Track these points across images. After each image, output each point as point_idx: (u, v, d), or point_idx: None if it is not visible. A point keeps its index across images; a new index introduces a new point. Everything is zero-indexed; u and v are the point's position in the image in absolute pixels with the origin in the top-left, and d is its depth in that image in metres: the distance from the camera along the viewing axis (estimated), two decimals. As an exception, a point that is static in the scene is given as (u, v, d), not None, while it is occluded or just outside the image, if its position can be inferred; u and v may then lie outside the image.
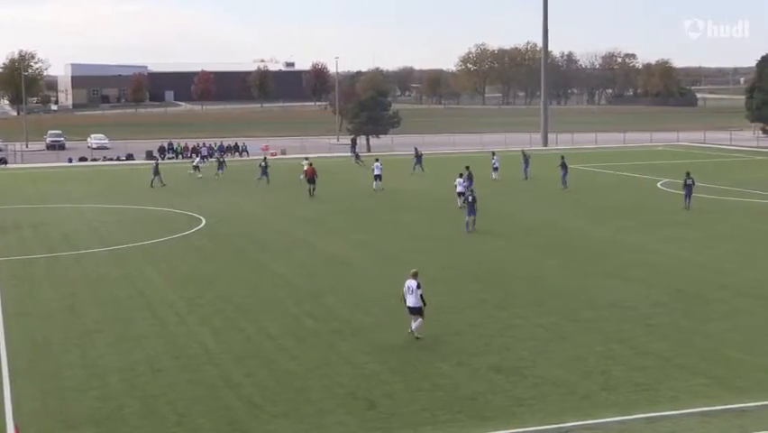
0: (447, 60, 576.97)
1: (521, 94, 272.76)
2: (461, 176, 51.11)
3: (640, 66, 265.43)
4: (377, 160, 62.85)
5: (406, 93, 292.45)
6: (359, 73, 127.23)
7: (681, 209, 49.16)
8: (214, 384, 21.52)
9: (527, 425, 18.92)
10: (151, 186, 62.14)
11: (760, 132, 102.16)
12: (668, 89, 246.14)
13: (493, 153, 67.21)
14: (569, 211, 49.32)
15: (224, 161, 72.29)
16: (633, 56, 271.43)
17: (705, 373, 22.00)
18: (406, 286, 25.10)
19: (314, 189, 56.89)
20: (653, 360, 23.03)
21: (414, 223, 45.89)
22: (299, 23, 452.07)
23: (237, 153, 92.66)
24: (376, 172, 59.29)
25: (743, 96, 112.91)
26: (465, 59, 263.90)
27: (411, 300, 24.92)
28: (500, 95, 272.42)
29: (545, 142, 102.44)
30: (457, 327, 26.13)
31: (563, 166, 59.49)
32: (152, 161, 71.24)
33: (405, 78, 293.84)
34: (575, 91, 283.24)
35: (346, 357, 23.53)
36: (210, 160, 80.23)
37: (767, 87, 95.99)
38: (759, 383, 21.20)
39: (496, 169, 63.75)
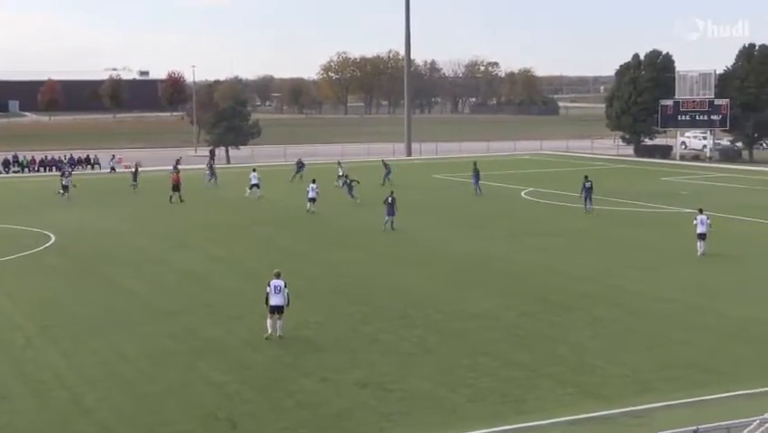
0: (308, 69, 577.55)
1: (384, 103, 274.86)
2: (314, 181, 53.90)
3: (503, 74, 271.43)
4: (254, 170, 63.14)
5: (267, 102, 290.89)
6: (217, 82, 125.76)
7: (544, 218, 50.55)
8: (66, 410, 20.92)
9: (394, 441, 19.06)
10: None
11: (620, 140, 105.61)
12: (531, 98, 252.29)
13: (339, 163, 71.12)
14: (432, 221, 49.93)
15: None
16: (496, 64, 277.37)
17: (571, 382, 22.59)
18: (272, 286, 25.95)
19: (179, 197, 58.18)
20: (520, 370, 23.51)
21: (275, 236, 45.68)
22: (154, 31, 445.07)
23: (89, 166, 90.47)
24: (253, 182, 60.62)
25: (603, 105, 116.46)
26: (327, 68, 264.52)
27: (278, 300, 25.88)
28: (363, 104, 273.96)
29: (409, 152, 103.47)
30: (321, 343, 26.12)
31: (476, 173, 61.96)
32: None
33: (265, 87, 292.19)
34: (439, 100, 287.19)
35: (206, 377, 23.24)
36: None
37: (626, 95, 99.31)
38: (621, 391, 21.93)
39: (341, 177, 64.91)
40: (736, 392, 21.53)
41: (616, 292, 32.46)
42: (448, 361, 24.33)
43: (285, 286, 26.08)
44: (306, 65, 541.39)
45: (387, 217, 46.38)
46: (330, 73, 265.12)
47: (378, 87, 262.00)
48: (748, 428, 15.73)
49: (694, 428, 13.84)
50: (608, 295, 32.05)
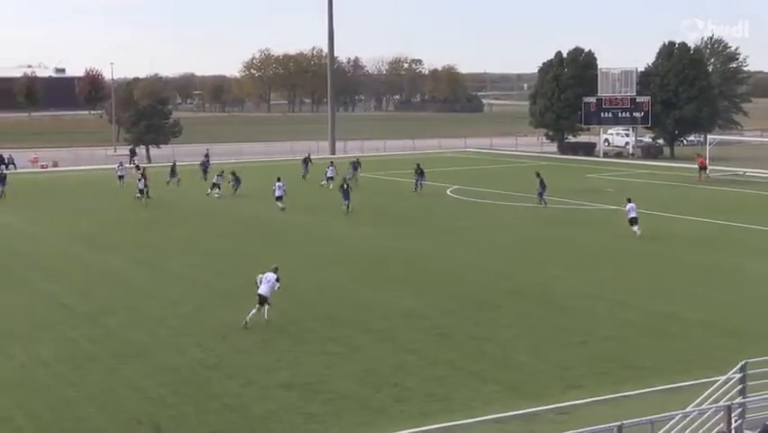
0: (230, 66, 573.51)
1: (307, 101, 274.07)
2: (278, 179, 54.10)
3: (426, 72, 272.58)
4: (279, 179, 58.89)
5: (188, 100, 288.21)
6: (136, 80, 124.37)
7: (470, 215, 51.01)
8: (-18, 418, 20.51)
9: (321, 442, 19.06)
10: None
11: (544, 137, 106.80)
12: (455, 95, 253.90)
13: (332, 163, 68.76)
14: (358, 219, 49.99)
15: None
16: (419, 62, 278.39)
17: (497, 379, 22.83)
18: (264, 276, 27.77)
19: (147, 194, 58.31)
20: (446, 369, 23.68)
21: (200, 236, 45.27)
22: (70, 27, 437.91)
23: (3, 166, 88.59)
24: (278, 193, 55.55)
25: (527, 103, 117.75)
26: (249, 65, 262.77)
27: (264, 289, 27.56)
28: (286, 102, 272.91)
29: (333, 150, 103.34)
30: (246, 345, 25.99)
31: (420, 173, 62.18)
32: None
33: (186, 85, 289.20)
34: (362, 97, 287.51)
35: (129, 381, 22.96)
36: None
37: (549, 93, 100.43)
38: (547, 387, 22.23)
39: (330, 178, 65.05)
40: (659, 387, 21.96)
41: (541, 289, 32.86)
42: (375, 361, 24.40)
43: (277, 280, 27.79)
44: (228, 62, 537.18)
45: (344, 201, 51.31)
46: (252, 71, 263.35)
47: (301, 85, 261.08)
48: (671, 422, 16.05)
49: (619, 423, 14.06)
50: (533, 292, 32.44)
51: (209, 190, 60.61)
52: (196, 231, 46.83)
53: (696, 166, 71.34)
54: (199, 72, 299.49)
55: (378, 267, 37.14)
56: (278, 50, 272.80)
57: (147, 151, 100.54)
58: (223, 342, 26.09)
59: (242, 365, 24.07)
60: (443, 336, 26.76)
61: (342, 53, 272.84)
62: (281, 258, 39.09)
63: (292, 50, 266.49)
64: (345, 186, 52.99)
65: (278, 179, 54.34)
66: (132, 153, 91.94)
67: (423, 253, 40.24)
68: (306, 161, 73.44)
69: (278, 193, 53.84)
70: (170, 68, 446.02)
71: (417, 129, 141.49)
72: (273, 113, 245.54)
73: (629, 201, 44.33)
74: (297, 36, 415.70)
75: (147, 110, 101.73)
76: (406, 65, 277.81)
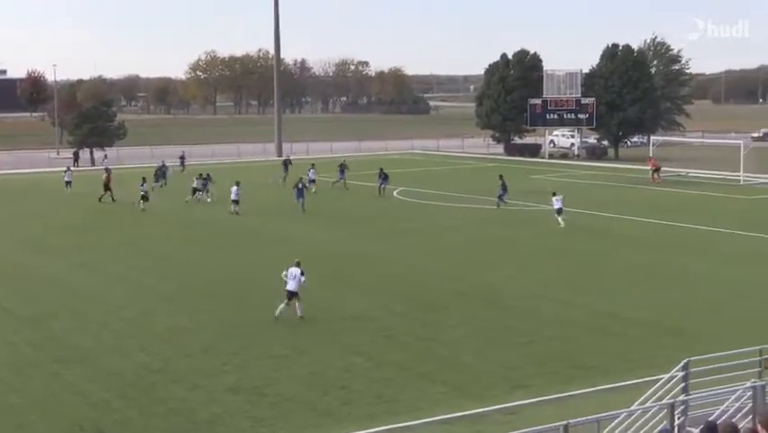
0: (175, 68, 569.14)
1: (254, 102, 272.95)
2: (237, 184, 52.95)
3: (373, 73, 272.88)
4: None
5: (133, 103, 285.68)
6: (80, 81, 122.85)
7: (416, 217, 51.16)
8: None
9: (267, 445, 18.97)
10: None
11: (490, 139, 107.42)
12: (401, 97, 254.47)
13: (312, 165, 68.20)
14: (304, 221, 49.86)
15: None
16: (366, 63, 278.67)
17: (443, 380, 22.88)
18: (289, 272, 28.29)
19: (111, 197, 58.05)
20: (393, 371, 23.70)
21: (144, 239, 44.86)
22: (11, 28, 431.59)
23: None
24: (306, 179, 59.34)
25: (473, 104, 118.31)
26: (195, 67, 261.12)
27: (292, 285, 28.17)
28: (233, 104, 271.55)
29: (280, 152, 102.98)
30: (192, 348, 25.79)
31: (384, 176, 61.94)
32: None
33: (130, 87, 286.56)
34: (309, 99, 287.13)
35: (72, 386, 22.69)
36: None
37: (495, 94, 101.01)
38: (493, 388, 22.34)
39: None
40: (604, 386, 22.17)
41: (487, 290, 33.02)
42: (321, 363, 24.34)
43: (302, 274, 28.27)
44: (173, 64, 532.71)
45: (298, 200, 52.84)
46: (198, 72, 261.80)
47: (247, 87, 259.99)
48: (616, 420, 16.19)
49: (564, 423, 14.14)
50: (479, 292, 32.59)
51: (189, 196, 58.38)
52: (145, 234, 46.39)
53: (648, 168, 72.08)
54: (144, 74, 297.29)
55: (325, 269, 36.96)
56: (223, 51, 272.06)
57: (91, 153, 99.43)
58: (168, 345, 25.87)
59: (188, 369, 23.88)
60: (390, 338, 26.78)
61: (289, 55, 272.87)
62: (228, 261, 38.99)
63: (238, 52, 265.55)
64: (300, 185, 53.96)
65: (237, 184, 53.43)
66: (76, 156, 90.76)
67: (370, 254, 40.26)
68: (286, 162, 72.49)
69: (233, 197, 53.24)
70: (114, 69, 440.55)
71: (364, 131, 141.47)
72: (219, 115, 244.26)
73: (554, 195, 47.90)
74: (243, 38, 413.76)
75: (91, 112, 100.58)
76: (352, 67, 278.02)
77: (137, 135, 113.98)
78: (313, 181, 63.68)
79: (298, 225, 48.96)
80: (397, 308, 30.31)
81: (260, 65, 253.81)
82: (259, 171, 72.88)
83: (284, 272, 28.72)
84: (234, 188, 53.08)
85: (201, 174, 60.52)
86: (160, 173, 68.04)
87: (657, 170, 71.01)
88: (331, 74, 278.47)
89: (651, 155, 74.89)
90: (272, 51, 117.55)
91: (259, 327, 28.09)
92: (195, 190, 58.64)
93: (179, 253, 41.04)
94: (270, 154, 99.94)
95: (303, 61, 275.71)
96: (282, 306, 28.36)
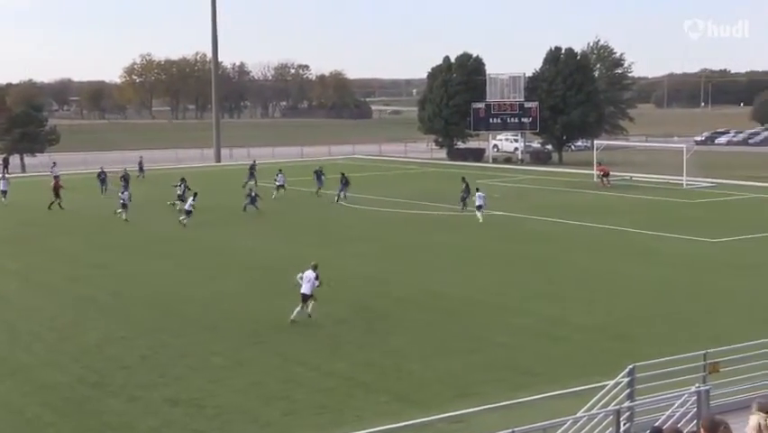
0: (110, 72, 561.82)
1: (191, 107, 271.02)
2: (194, 196, 51.53)
3: (314, 77, 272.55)
4: (280, 170, 61.44)
5: (65, 107, 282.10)
6: (9, 85, 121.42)
7: (359, 223, 51.16)
8: None
9: (207, 459, 18.79)
10: None
11: (433, 143, 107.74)
12: (343, 101, 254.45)
13: (280, 170, 67.18)
14: (245, 229, 49.61)
15: None
16: (306, 67, 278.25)
17: (387, 389, 22.85)
18: (304, 275, 29.06)
19: (59, 204, 57.48)
20: (337, 380, 23.62)
21: (77, 248, 44.30)
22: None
23: None
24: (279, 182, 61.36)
25: (416, 108, 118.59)
26: (130, 71, 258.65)
27: (306, 288, 28.89)
28: (169, 108, 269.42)
29: (218, 158, 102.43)
30: (128, 360, 25.48)
31: (345, 182, 61.41)
32: None
33: (62, 91, 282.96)
34: (248, 104, 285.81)
35: (4, 400, 22.30)
36: None
37: (438, 98, 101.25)
38: (437, 396, 22.34)
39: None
40: (551, 393, 22.25)
41: (432, 296, 33.07)
42: (262, 373, 24.18)
43: (316, 278, 29.05)
44: (107, 67, 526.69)
45: (251, 206, 54.05)
46: (133, 76, 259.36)
47: (184, 91, 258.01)
48: (562, 428, 16.29)
49: (510, 430, 14.19)
50: (423, 299, 32.62)
51: (176, 202, 56.71)
52: (80, 243, 45.79)
53: (597, 173, 72.58)
54: (77, 77, 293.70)
55: (267, 277, 36.85)
56: (160, 54, 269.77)
57: (21, 159, 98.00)
58: (103, 357, 25.52)
59: (124, 381, 23.58)
60: (333, 347, 26.68)
61: (227, 58, 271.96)
62: (161, 269, 38.61)
63: (174, 56, 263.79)
64: (252, 193, 55.27)
65: (194, 196, 52.16)
66: (6, 163, 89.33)
67: (311, 261, 39.99)
68: (252, 168, 70.86)
69: (186, 207, 51.78)
70: (46, 73, 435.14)
71: (306, 136, 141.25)
72: (156, 119, 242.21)
73: (478, 190, 52.87)
74: (180, 41, 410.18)
75: (21, 117, 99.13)
76: (292, 70, 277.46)
77: (70, 141, 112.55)
78: (281, 186, 63.50)
79: (240, 233, 48.65)
80: (341, 315, 30.23)
81: (198, 69, 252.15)
82: (207, 178, 72.24)
83: (299, 275, 29.36)
84: (190, 201, 51.53)
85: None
86: (100, 180, 67.28)
87: (606, 175, 71.71)
88: (271, 78, 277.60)
89: (598, 162, 75.20)
90: (210, 55, 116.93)
91: (197, 336, 27.84)
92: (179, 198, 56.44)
93: (117, 262, 40.55)
94: (209, 160, 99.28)
95: (242, 65, 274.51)
96: (298, 309, 28.90)
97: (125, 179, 63.41)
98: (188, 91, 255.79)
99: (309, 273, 29.16)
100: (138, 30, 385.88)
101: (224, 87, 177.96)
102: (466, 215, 54.08)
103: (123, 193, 54.33)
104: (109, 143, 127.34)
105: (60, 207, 57.63)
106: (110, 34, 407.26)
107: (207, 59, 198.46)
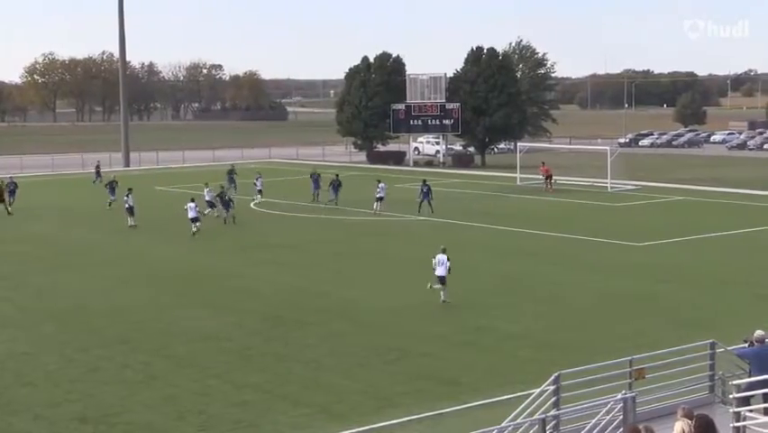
0: (10, 71, 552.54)
1: (98, 109, 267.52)
2: (192, 200, 49.91)
3: (227, 78, 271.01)
4: (379, 181, 58.78)
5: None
6: None
7: (275, 229, 50.99)
8: None
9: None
10: None
11: (352, 146, 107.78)
12: (258, 103, 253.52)
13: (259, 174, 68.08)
14: (155, 237, 49.12)
15: None
16: (219, 67, 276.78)
17: (307, 402, 22.81)
18: (437, 259, 32.17)
19: (6, 209, 57.60)
20: (253, 393, 23.51)
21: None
22: None
23: None
24: (380, 194, 56.76)
25: (334, 110, 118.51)
26: (31, 70, 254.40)
27: (441, 270, 32.09)
28: (74, 110, 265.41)
29: (127, 162, 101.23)
30: (32, 377, 25.04)
31: (336, 185, 61.16)
32: None
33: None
34: (159, 105, 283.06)
35: None
36: None
37: (357, 100, 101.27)
38: (357, 407, 22.39)
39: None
40: (476, 403, 22.45)
41: (351, 306, 33.09)
42: (175, 387, 23.97)
43: (447, 259, 32.02)
44: (6, 67, 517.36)
45: (226, 213, 53.38)
46: (35, 76, 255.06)
47: (90, 92, 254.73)
48: (487, 438, 16.44)
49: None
50: (343, 309, 32.61)
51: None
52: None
53: (540, 174, 72.31)
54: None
55: (179, 287, 36.55)
56: (63, 53, 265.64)
57: None
58: (5, 373, 25.04)
59: (28, 399, 23.18)
60: (248, 359, 26.56)
61: (136, 58, 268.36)
62: (67, 281, 38.01)
63: (80, 55, 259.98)
64: (226, 197, 54.59)
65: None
66: None
67: (227, 270, 39.84)
68: (231, 173, 69.62)
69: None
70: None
71: (219, 139, 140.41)
72: (60, 122, 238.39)
73: (379, 182, 56.28)
74: (86, 39, 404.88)
75: None
76: (205, 71, 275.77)
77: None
78: (260, 192, 63.97)
79: (152, 240, 48.18)
80: (256, 326, 30.11)
81: (105, 69, 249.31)
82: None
83: (433, 259, 32.38)
84: (191, 204, 49.52)
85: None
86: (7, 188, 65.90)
87: (549, 177, 71.34)
88: (182, 78, 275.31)
89: (542, 162, 74.36)
90: (117, 54, 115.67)
91: (105, 350, 27.48)
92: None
93: (14, 272, 39.85)
94: (118, 164, 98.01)
95: (151, 65, 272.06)
96: (441, 290, 32.35)
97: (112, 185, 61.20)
98: (94, 92, 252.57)
99: (441, 257, 32.16)
100: (40, 27, 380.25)
101: (132, 87, 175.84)
102: (387, 219, 54.28)
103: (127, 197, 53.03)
104: (7, 148, 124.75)
105: (8, 212, 57.42)
106: (9, 32, 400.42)
107: (114, 59, 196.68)
